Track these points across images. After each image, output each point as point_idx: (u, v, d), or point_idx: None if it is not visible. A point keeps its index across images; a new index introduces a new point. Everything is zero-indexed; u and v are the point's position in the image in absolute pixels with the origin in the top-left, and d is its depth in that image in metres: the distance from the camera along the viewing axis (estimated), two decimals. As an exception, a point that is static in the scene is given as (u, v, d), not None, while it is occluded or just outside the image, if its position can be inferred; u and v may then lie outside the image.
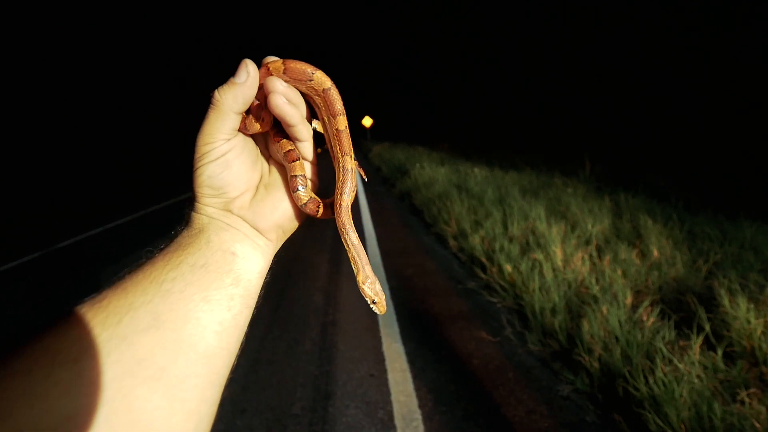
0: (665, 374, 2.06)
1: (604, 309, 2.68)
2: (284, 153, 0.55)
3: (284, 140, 0.55)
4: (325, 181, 0.59)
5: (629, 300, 2.82)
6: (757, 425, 1.69)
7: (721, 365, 2.14)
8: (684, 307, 2.83)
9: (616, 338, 2.48)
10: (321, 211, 0.57)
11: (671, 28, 13.71)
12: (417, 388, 2.51)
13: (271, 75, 0.51)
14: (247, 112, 0.54)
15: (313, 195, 0.56)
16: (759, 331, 2.25)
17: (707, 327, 2.38)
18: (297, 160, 0.54)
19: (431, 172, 8.90)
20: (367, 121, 30.21)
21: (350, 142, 0.57)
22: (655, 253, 3.57)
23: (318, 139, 0.61)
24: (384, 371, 2.70)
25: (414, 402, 2.41)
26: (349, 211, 0.58)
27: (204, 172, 0.50)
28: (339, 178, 0.57)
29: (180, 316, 0.41)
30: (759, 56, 10.64)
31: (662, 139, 11.83)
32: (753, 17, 10.91)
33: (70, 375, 0.34)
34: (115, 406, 0.35)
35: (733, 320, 2.41)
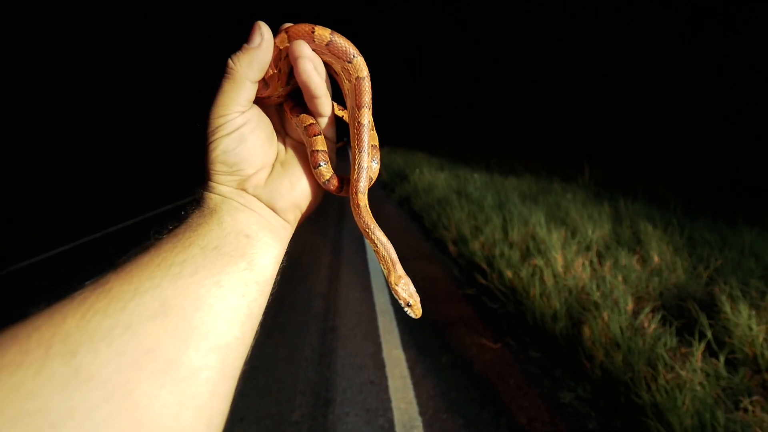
0: (667, 381, 2.05)
1: (605, 315, 2.67)
2: (305, 127, 0.52)
3: (304, 114, 0.52)
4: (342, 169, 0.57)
5: (630, 306, 2.81)
6: (761, 433, 1.68)
7: (724, 372, 2.13)
8: (685, 314, 2.83)
9: (618, 345, 2.47)
10: (345, 187, 0.55)
11: (668, 33, 13.82)
12: (417, 395, 2.50)
13: (297, 40, 0.48)
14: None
15: (334, 172, 0.54)
16: (761, 338, 2.25)
17: (709, 334, 2.38)
18: (318, 134, 0.52)
19: (431, 177, 8.91)
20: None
21: (370, 138, 0.54)
22: (656, 259, 3.56)
23: (341, 131, 0.59)
24: (384, 378, 2.68)
25: (415, 409, 2.39)
26: (369, 209, 0.56)
27: (218, 146, 0.47)
28: (353, 176, 0.55)
29: (190, 303, 0.38)
30: (758, 60, 10.72)
31: (661, 145, 11.88)
32: (752, 21, 10.99)
33: (66, 369, 0.30)
34: (117, 403, 0.31)
35: (734, 327, 2.40)
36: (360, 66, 0.51)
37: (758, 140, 9.44)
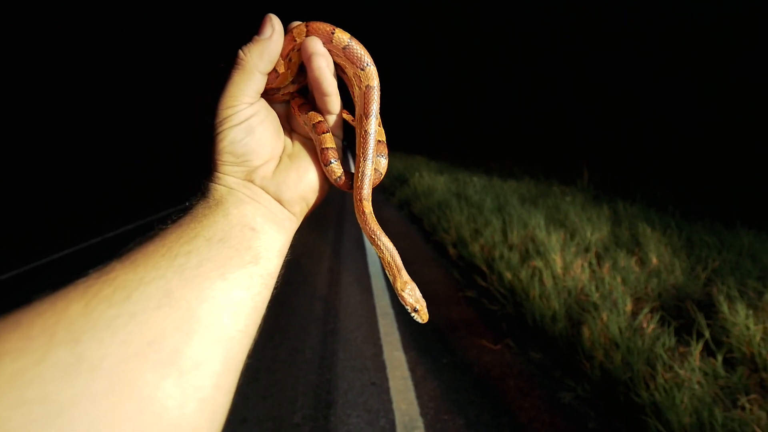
0: (666, 381, 2.07)
1: (605, 316, 2.69)
2: (313, 125, 0.52)
3: (312, 112, 0.53)
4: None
5: (629, 307, 2.83)
6: (758, 430, 1.69)
7: (722, 371, 2.15)
8: (684, 314, 2.85)
9: (617, 345, 2.49)
10: None
11: (665, 38, 13.93)
12: (418, 396, 2.51)
13: (311, 36, 0.49)
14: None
15: (344, 169, 0.54)
16: (758, 338, 2.27)
17: (707, 333, 2.40)
18: (327, 132, 0.52)
19: (430, 181, 8.94)
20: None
21: (376, 145, 0.54)
22: (654, 260, 3.59)
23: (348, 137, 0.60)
24: (385, 379, 2.70)
25: (416, 410, 2.40)
26: (374, 216, 0.57)
27: (226, 137, 0.47)
28: (357, 183, 0.55)
29: (195, 295, 0.37)
30: (754, 64, 10.80)
31: (659, 148, 11.94)
32: (748, 25, 11.09)
33: (69, 357, 0.29)
34: (121, 393, 0.30)
35: (732, 327, 2.42)
36: (372, 75, 0.52)
37: (756, 143, 9.50)
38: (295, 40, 0.49)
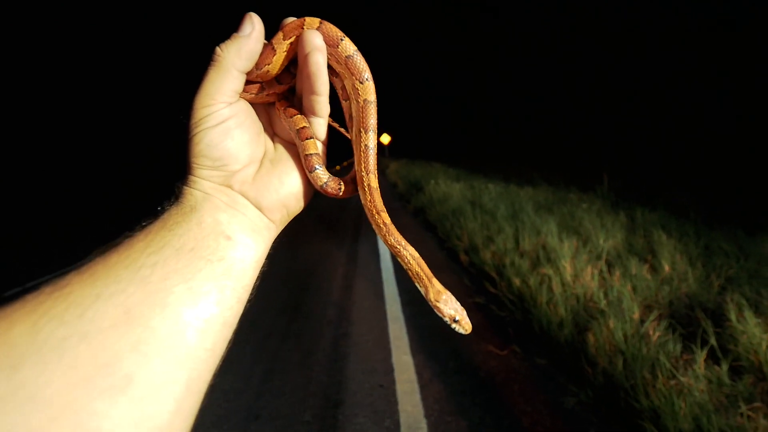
0: (666, 387, 2.08)
1: (611, 323, 2.70)
2: (297, 130, 0.50)
3: (299, 116, 0.51)
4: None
5: (636, 314, 2.83)
6: (756, 437, 1.70)
7: (726, 379, 2.14)
8: (693, 322, 2.82)
9: (621, 352, 2.50)
10: (343, 188, 0.54)
11: (687, 42, 13.58)
12: (424, 398, 2.59)
13: (309, 29, 0.47)
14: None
15: (331, 174, 0.53)
16: (765, 346, 2.25)
17: (712, 340, 2.38)
18: (311, 138, 0.50)
19: (446, 188, 9.00)
20: (385, 138, 30.81)
21: (376, 159, 0.54)
22: (667, 268, 3.55)
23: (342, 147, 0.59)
24: (392, 382, 2.79)
25: (420, 412, 2.48)
26: (394, 226, 0.56)
27: (202, 139, 0.44)
28: (366, 198, 0.54)
29: (157, 312, 0.34)
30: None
31: (682, 154, 11.60)
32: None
33: (6, 386, 0.27)
34: (62, 425, 0.27)
35: (740, 335, 2.40)
36: (370, 89, 0.51)
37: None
38: (300, 27, 0.47)
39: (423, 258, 0.58)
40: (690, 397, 1.99)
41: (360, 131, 0.53)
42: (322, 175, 0.51)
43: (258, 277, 0.47)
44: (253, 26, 0.45)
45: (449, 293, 0.54)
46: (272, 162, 0.51)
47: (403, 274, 4.88)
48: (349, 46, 0.49)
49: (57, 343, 0.29)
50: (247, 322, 0.50)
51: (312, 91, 0.48)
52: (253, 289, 0.45)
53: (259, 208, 0.48)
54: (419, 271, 0.55)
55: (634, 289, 3.29)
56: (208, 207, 0.44)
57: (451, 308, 0.54)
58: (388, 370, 2.93)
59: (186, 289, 0.37)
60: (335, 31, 0.48)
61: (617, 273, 3.54)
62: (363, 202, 0.54)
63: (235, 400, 2.64)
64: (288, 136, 0.53)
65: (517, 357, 2.98)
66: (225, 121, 0.45)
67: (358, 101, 0.52)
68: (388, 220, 0.55)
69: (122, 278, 0.34)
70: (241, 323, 0.44)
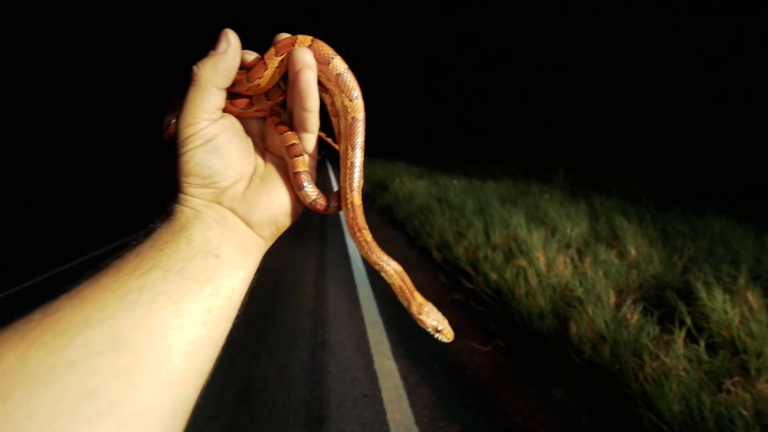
0: (653, 370, 2.11)
1: (590, 310, 2.73)
2: (287, 146, 0.51)
3: (289, 132, 0.52)
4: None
5: (613, 300, 2.88)
6: (744, 412, 1.74)
7: (705, 356, 2.20)
8: (664, 303, 2.92)
9: (604, 338, 2.53)
10: (332, 205, 0.55)
11: (632, 34, 14.49)
12: (412, 405, 2.48)
13: (300, 47, 0.48)
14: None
15: (319, 191, 0.54)
16: (736, 321, 2.34)
17: (688, 320, 2.46)
18: (300, 155, 0.51)
19: (411, 186, 8.98)
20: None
21: (362, 177, 0.55)
22: (633, 252, 3.68)
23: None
24: (378, 390, 2.66)
25: (410, 419, 2.37)
26: (375, 242, 0.56)
27: (191, 158, 0.45)
28: (349, 215, 0.55)
29: (144, 336, 0.35)
30: (723, 56, 11.32)
31: (628, 142, 12.35)
32: (718, 19, 11.61)
33: None
34: None
35: (711, 312, 2.49)
36: (359, 107, 0.52)
37: (721, 133, 9.93)
38: (294, 46, 0.48)
39: (395, 257, 0.60)
40: (677, 378, 2.02)
41: (347, 148, 0.54)
42: (311, 193, 0.52)
43: (247, 293, 0.47)
44: (229, 43, 0.45)
45: (431, 304, 0.56)
46: (262, 179, 0.51)
47: (376, 276, 4.75)
48: (339, 65, 0.50)
49: (45, 373, 0.30)
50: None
51: (303, 108, 0.49)
52: (241, 307, 0.46)
53: (249, 224, 0.49)
54: (402, 285, 0.57)
55: (605, 274, 3.37)
56: (198, 225, 0.45)
57: (433, 319, 0.55)
58: (372, 378, 2.79)
59: (173, 312, 0.37)
60: (327, 50, 0.49)
61: (588, 260, 3.62)
62: (345, 218, 0.55)
63: (207, 429, 2.40)
64: (279, 152, 0.54)
65: (502, 352, 2.95)
66: (212, 138, 0.46)
67: (346, 118, 0.53)
68: (369, 237, 0.56)
69: (110, 304, 0.35)
70: None
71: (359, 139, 0.53)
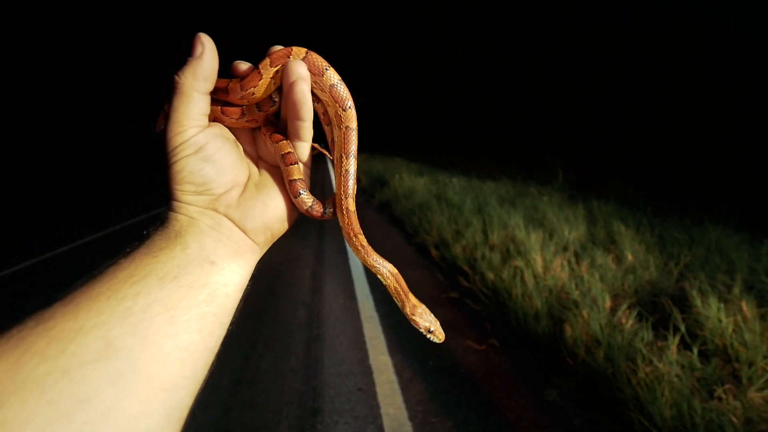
0: (646, 375, 2.13)
1: (585, 313, 2.75)
2: (282, 155, 0.52)
3: (284, 141, 0.52)
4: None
5: (608, 304, 2.90)
6: (734, 420, 1.76)
7: (698, 363, 2.23)
8: (659, 309, 2.94)
9: (598, 341, 2.55)
10: (327, 211, 0.56)
11: (634, 40, 14.49)
12: (406, 400, 2.50)
13: (295, 59, 0.49)
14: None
15: (315, 198, 0.55)
16: (730, 330, 2.36)
17: (683, 327, 2.48)
18: (295, 163, 0.52)
19: (411, 183, 8.98)
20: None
21: (355, 184, 0.57)
22: (630, 257, 3.70)
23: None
24: (372, 384, 2.67)
25: (404, 414, 2.38)
26: (370, 246, 0.58)
27: (184, 167, 0.46)
28: (344, 221, 0.56)
29: (137, 343, 0.35)
30: (719, 65, 11.36)
31: (628, 147, 12.39)
32: (710, 25, 11.65)
33: None
34: None
35: (705, 320, 2.52)
36: (352, 117, 0.54)
37: (720, 142, 9.98)
38: (289, 57, 0.49)
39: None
40: (669, 383, 2.04)
41: (342, 156, 0.55)
42: (306, 200, 0.53)
43: (241, 300, 0.47)
44: (204, 46, 0.45)
45: (424, 306, 0.59)
46: (257, 186, 0.52)
47: (373, 273, 4.75)
48: (333, 76, 0.51)
49: (39, 380, 0.29)
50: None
51: (297, 117, 0.50)
52: (235, 313, 0.46)
53: (244, 231, 0.49)
54: (397, 286, 0.59)
55: (601, 278, 3.39)
56: (193, 232, 0.45)
57: (426, 320, 0.58)
58: (367, 372, 2.81)
59: (167, 320, 0.37)
60: (321, 61, 0.51)
61: (584, 263, 3.64)
62: (341, 224, 0.57)
63: (201, 416, 2.40)
64: (272, 160, 0.55)
65: (496, 351, 2.97)
66: (204, 147, 0.46)
67: (340, 127, 0.54)
68: (365, 242, 0.57)
69: (104, 311, 0.34)
70: None
71: (353, 148, 0.55)
